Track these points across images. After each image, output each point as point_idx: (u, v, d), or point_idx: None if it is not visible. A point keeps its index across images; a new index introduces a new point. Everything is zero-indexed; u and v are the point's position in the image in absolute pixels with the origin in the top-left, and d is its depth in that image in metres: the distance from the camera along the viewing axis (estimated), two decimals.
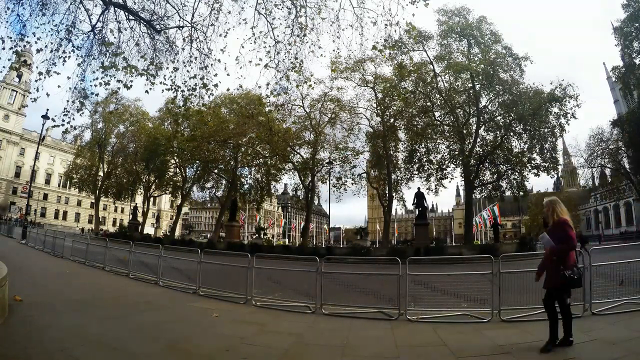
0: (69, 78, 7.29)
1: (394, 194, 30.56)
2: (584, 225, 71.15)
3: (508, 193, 29.67)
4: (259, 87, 7.92)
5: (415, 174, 29.71)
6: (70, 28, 7.11)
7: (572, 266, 3.92)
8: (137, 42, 7.62)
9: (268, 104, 27.98)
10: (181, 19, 7.35)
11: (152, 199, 51.53)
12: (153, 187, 44.54)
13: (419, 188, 26.57)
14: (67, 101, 7.43)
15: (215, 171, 36.86)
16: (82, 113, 7.97)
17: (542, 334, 4.55)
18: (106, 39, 7.49)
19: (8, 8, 6.86)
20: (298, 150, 32.45)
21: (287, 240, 64.67)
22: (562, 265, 3.88)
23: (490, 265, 5.69)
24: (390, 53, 22.10)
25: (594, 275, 5.39)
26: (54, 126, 8.35)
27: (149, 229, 50.89)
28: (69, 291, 7.24)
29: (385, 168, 29.85)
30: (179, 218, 46.42)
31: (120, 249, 11.39)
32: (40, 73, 7.04)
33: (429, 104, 28.70)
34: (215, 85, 7.49)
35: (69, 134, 34.72)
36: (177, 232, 47.30)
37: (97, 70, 7.30)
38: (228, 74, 7.71)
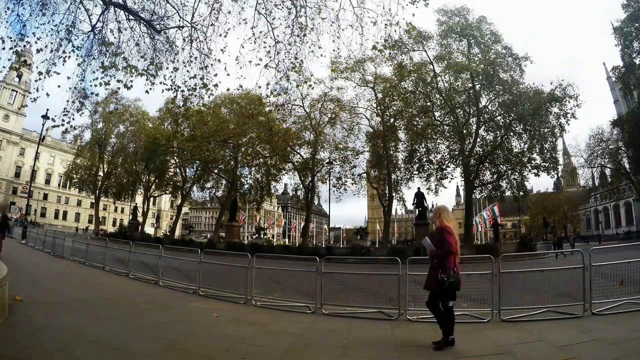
0: (69, 78, 7.29)
1: (394, 194, 30.56)
2: (584, 225, 71.22)
3: (508, 193, 29.66)
4: (259, 87, 7.93)
5: (415, 174, 29.71)
6: (70, 28, 7.11)
7: (450, 270, 4.10)
8: (137, 42, 7.63)
9: (268, 104, 27.99)
10: (181, 19, 7.35)
11: (152, 199, 51.53)
12: (153, 187, 44.53)
13: (419, 188, 26.58)
14: (67, 101, 7.44)
15: (215, 171, 36.85)
16: (82, 113, 7.97)
17: (542, 334, 4.56)
18: (106, 39, 7.49)
19: (8, 8, 6.86)
20: (298, 150, 32.46)
21: (287, 240, 64.64)
22: (440, 269, 4.11)
23: (490, 265, 5.69)
24: (390, 53, 22.08)
25: (594, 275, 5.39)
26: (54, 126, 8.35)
27: (149, 229, 50.90)
28: (69, 291, 7.24)
29: (385, 168, 29.84)
30: (179, 218, 46.42)
31: (120, 249, 11.39)
32: (40, 73, 7.04)
33: (429, 104, 28.69)
34: (215, 85, 7.49)
35: (69, 134, 34.86)
36: (177, 232, 47.30)
37: (97, 70, 7.30)
38: (228, 74, 7.72)
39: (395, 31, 6.80)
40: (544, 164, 26.61)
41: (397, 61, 26.27)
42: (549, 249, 26.13)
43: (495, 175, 28.58)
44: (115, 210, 74.15)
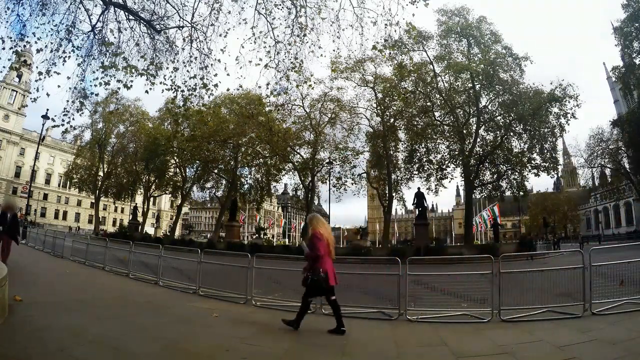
0: (69, 78, 7.29)
1: (394, 194, 30.57)
2: (583, 225, 71.22)
3: (508, 193, 29.64)
4: (259, 87, 7.93)
5: (415, 174, 29.72)
6: (70, 28, 7.12)
7: (318, 271, 4.69)
8: (137, 42, 7.63)
9: (268, 104, 28.00)
10: (181, 19, 7.36)
11: (152, 199, 51.53)
12: (153, 187, 44.54)
13: (419, 188, 26.58)
14: (67, 101, 7.45)
15: (215, 171, 36.86)
16: (82, 113, 7.98)
17: (542, 334, 4.56)
18: (106, 39, 7.49)
19: (8, 8, 6.86)
20: (298, 150, 32.46)
21: (287, 240, 64.66)
22: (310, 269, 4.76)
23: (490, 265, 5.69)
24: (390, 53, 22.06)
25: (594, 275, 5.39)
26: (54, 126, 8.37)
27: (149, 229, 50.89)
28: (69, 291, 7.24)
29: (385, 168, 29.85)
30: (179, 218, 46.42)
31: (120, 249, 11.39)
32: (40, 73, 7.04)
33: (429, 104, 28.69)
34: (215, 85, 7.49)
35: (69, 134, 34.88)
36: (177, 232, 47.30)
37: (97, 70, 7.31)
38: (228, 74, 7.72)
39: (395, 31, 6.81)
40: (544, 164, 26.62)
41: (397, 61, 26.27)
42: (549, 249, 26.15)
43: (495, 175, 28.58)
44: (115, 210, 74.14)
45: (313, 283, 4.71)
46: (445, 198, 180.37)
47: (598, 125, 51.43)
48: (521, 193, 29.04)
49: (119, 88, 7.25)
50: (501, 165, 28.26)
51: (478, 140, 28.30)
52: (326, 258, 4.85)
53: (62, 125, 7.55)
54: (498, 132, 27.82)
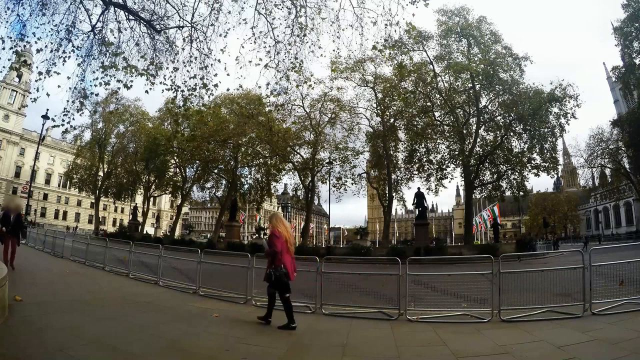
0: (69, 78, 7.29)
1: (394, 194, 30.58)
2: (583, 225, 71.24)
3: (508, 193, 29.68)
4: (259, 87, 7.94)
5: (415, 174, 29.74)
6: (70, 28, 7.11)
7: (277, 267, 5.03)
8: (137, 42, 7.62)
9: (268, 104, 28.03)
10: (181, 19, 7.35)
11: (152, 199, 51.50)
12: (153, 187, 44.53)
13: (419, 188, 26.59)
14: (67, 101, 7.44)
15: (215, 171, 36.86)
16: (82, 113, 7.98)
17: (542, 334, 4.56)
18: (106, 39, 7.49)
19: (8, 8, 6.86)
20: (298, 150, 32.45)
21: None
22: (272, 265, 5.07)
23: (490, 265, 5.69)
24: (390, 53, 22.11)
25: (594, 275, 5.39)
26: (54, 126, 8.37)
27: (149, 229, 50.88)
28: (69, 291, 7.24)
29: (385, 168, 29.85)
30: (179, 218, 46.42)
31: (120, 249, 11.39)
32: (40, 73, 7.04)
33: (429, 104, 28.69)
34: (215, 85, 7.49)
35: (69, 134, 34.99)
36: (177, 232, 47.29)
37: (97, 70, 7.31)
38: (228, 74, 7.72)
39: (395, 31, 6.80)
40: (544, 164, 26.64)
41: (397, 61, 26.25)
42: (549, 249, 26.14)
43: (495, 175, 28.59)
44: (115, 210, 74.11)
45: (277, 279, 5.02)
46: (445, 198, 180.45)
47: (598, 125, 51.43)
48: (521, 193, 29.07)
49: (119, 88, 7.26)
50: (501, 165, 28.27)
51: (478, 140, 28.32)
52: (285, 254, 5.14)
53: (62, 125, 7.55)
54: (498, 132, 27.84)
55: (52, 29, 7.11)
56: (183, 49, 7.40)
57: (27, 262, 11.26)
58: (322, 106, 30.79)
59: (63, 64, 7.22)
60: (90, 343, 4.01)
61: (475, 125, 28.71)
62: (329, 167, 30.92)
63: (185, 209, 69.58)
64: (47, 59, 7.02)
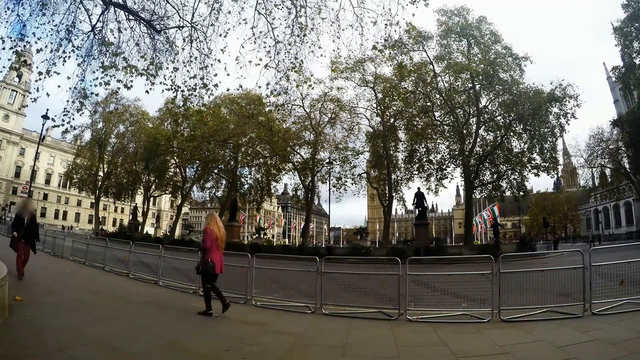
0: (69, 78, 7.29)
1: (394, 194, 30.58)
2: (583, 225, 71.21)
3: (508, 193, 29.68)
4: (259, 87, 7.93)
5: (415, 174, 29.74)
6: (70, 28, 7.12)
7: (205, 261, 5.65)
8: (137, 42, 7.62)
9: (268, 104, 28.02)
10: (181, 19, 7.35)
11: (152, 199, 51.49)
12: (153, 187, 44.53)
13: (419, 188, 26.57)
14: (67, 101, 7.45)
15: (215, 171, 36.86)
16: (82, 113, 7.99)
17: (542, 334, 4.56)
18: (106, 39, 7.49)
19: (8, 8, 6.86)
20: (298, 150, 32.45)
21: (287, 240, 64.67)
22: (202, 260, 5.70)
23: (490, 265, 5.69)
24: (390, 53, 22.15)
25: (594, 275, 5.39)
26: (54, 126, 8.36)
27: (149, 229, 50.87)
28: (69, 291, 7.23)
29: (385, 168, 29.85)
30: (179, 218, 46.42)
31: (120, 249, 11.38)
32: (40, 73, 7.04)
33: (429, 104, 28.69)
34: (215, 85, 7.49)
35: (69, 134, 34.95)
36: (177, 232, 47.29)
37: (97, 70, 7.32)
38: (228, 74, 7.71)
39: (395, 31, 6.81)
40: (544, 164, 26.65)
41: (397, 61, 26.28)
42: (549, 249, 26.13)
43: (495, 175, 28.60)
44: (115, 210, 74.11)
45: (203, 271, 5.68)
46: (445, 198, 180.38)
47: (598, 125, 51.29)
48: (521, 193, 29.08)
49: (119, 88, 7.26)
50: (501, 165, 28.28)
51: (478, 140, 28.32)
52: (214, 250, 5.75)
53: (62, 125, 7.56)
54: (498, 132, 27.83)
55: (52, 29, 7.12)
56: (183, 49, 7.41)
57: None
58: (322, 106, 30.80)
59: (63, 64, 7.22)
60: (91, 343, 4.01)
61: (475, 125, 28.71)
62: (329, 167, 30.93)
63: (185, 209, 69.55)
64: (47, 59, 7.02)
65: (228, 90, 26.74)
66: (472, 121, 29.15)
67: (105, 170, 42.79)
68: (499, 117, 28.13)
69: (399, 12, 6.38)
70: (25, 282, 7.30)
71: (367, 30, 11.20)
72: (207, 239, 5.75)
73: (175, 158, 39.10)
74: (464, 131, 27.98)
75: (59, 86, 7.14)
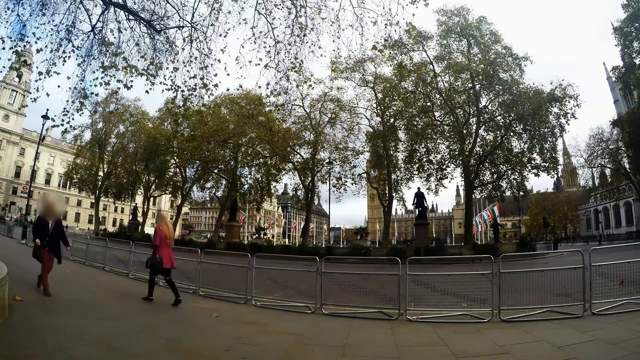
0: (69, 78, 7.29)
1: (394, 194, 30.54)
2: (583, 225, 71.23)
3: (508, 193, 29.65)
4: (259, 87, 7.89)
5: (415, 174, 29.69)
6: (70, 28, 7.11)
7: (153, 257, 6.50)
8: (137, 42, 7.62)
9: (268, 104, 27.97)
10: (181, 19, 7.34)
11: (152, 199, 51.47)
12: (153, 187, 44.50)
13: (419, 188, 26.58)
14: (67, 101, 7.45)
15: (215, 171, 36.82)
16: (82, 113, 7.99)
17: (542, 334, 4.57)
18: (106, 39, 7.49)
19: (8, 8, 6.86)
20: (298, 150, 32.43)
21: (287, 240, 64.67)
22: (152, 256, 6.56)
23: (490, 265, 5.69)
24: (390, 53, 22.14)
25: (594, 275, 5.39)
26: (54, 126, 8.37)
27: (149, 229, 50.85)
28: (68, 291, 7.23)
29: (385, 168, 29.83)
30: (179, 218, 46.39)
31: (120, 249, 11.38)
32: (40, 73, 7.04)
33: (429, 104, 28.67)
34: (215, 85, 7.48)
35: (68, 134, 34.84)
36: (177, 232, 47.27)
37: (97, 70, 7.31)
38: (228, 74, 7.70)
39: (395, 31, 6.79)
40: (544, 164, 26.61)
41: (397, 61, 26.22)
42: (549, 249, 26.12)
43: (495, 175, 28.57)
44: (115, 210, 74.09)
45: (151, 265, 6.53)
46: (445, 198, 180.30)
47: (598, 125, 51.25)
48: (521, 193, 29.05)
49: (119, 88, 7.26)
50: (501, 165, 28.25)
51: (478, 140, 28.28)
52: (163, 248, 6.50)
53: (62, 125, 7.56)
54: (498, 132, 27.80)
55: (52, 29, 7.11)
56: (183, 49, 7.40)
57: (28, 262, 11.27)
58: (322, 106, 30.76)
59: (63, 64, 7.22)
60: (91, 343, 4.01)
61: (475, 125, 28.67)
62: (329, 167, 30.91)
63: (185, 209, 69.58)
64: (47, 59, 7.02)
65: (228, 90, 26.72)
66: (472, 121, 29.12)
67: (105, 170, 42.76)
68: (499, 117, 28.11)
69: (399, 12, 6.38)
70: (25, 282, 7.29)
71: (367, 30, 11.18)
72: (157, 237, 6.52)
73: (175, 158, 39.07)
74: (464, 131, 27.95)
75: (59, 86, 7.14)
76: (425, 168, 28.97)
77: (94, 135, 41.20)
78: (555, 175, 35.71)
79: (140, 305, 6.40)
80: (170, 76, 7.37)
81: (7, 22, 6.84)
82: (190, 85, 7.35)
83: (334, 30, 6.82)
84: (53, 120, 7.77)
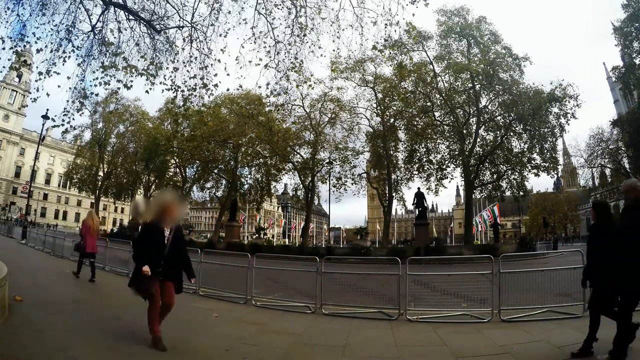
0: (69, 78, 7.30)
1: (394, 194, 30.57)
2: (583, 225, 71.15)
3: (508, 193, 29.68)
4: (259, 87, 7.92)
5: (415, 174, 29.74)
6: (70, 28, 7.12)
7: (80, 243, 8.83)
8: (137, 42, 7.63)
9: (268, 104, 28.01)
10: (181, 19, 7.35)
11: (152, 199, 51.44)
12: (153, 187, 44.49)
13: (419, 188, 26.57)
14: (67, 101, 7.46)
15: (215, 171, 36.82)
16: (82, 113, 8.01)
17: (542, 334, 4.56)
18: (106, 39, 7.50)
19: (8, 8, 6.86)
20: (298, 150, 32.44)
21: (287, 240, 64.61)
22: (80, 241, 8.60)
23: (490, 265, 5.69)
24: (390, 53, 22.14)
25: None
26: (54, 126, 8.38)
27: None
28: (69, 291, 7.23)
29: (385, 168, 29.84)
30: None
31: (121, 249, 11.37)
32: (40, 73, 7.05)
33: (429, 104, 28.69)
34: (215, 85, 7.49)
35: (69, 134, 34.91)
36: None
37: (97, 70, 7.33)
38: (228, 74, 7.71)
39: (395, 31, 6.81)
40: (544, 164, 26.65)
41: (397, 61, 26.23)
42: (549, 249, 26.12)
43: (495, 175, 28.60)
44: (115, 210, 74.12)
45: (77, 248, 8.85)
46: (445, 198, 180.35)
47: (598, 125, 51.16)
48: (521, 193, 29.09)
49: (119, 88, 7.28)
50: (501, 165, 28.28)
51: (478, 140, 28.32)
52: (88, 237, 8.51)
53: (62, 125, 7.57)
54: (498, 132, 27.84)
55: (52, 29, 7.12)
56: (183, 49, 7.41)
57: (27, 262, 11.28)
58: (322, 106, 30.78)
59: (63, 64, 7.23)
60: (90, 343, 4.01)
61: (475, 125, 28.71)
62: (329, 167, 30.91)
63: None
64: (47, 59, 7.03)
65: (228, 90, 26.72)
66: (472, 121, 29.16)
67: (105, 170, 42.77)
68: (499, 117, 28.14)
69: (399, 12, 6.39)
70: (25, 282, 7.29)
71: (367, 30, 11.20)
72: (84, 228, 8.72)
73: (175, 158, 39.07)
74: (464, 131, 27.98)
75: (59, 86, 7.15)
76: (425, 168, 29.00)
77: (94, 135, 41.22)
78: (555, 175, 35.73)
79: (139, 305, 6.34)
80: (170, 76, 7.39)
81: (7, 22, 6.84)
82: (190, 85, 7.36)
83: (334, 30, 6.84)
84: (53, 120, 7.79)
